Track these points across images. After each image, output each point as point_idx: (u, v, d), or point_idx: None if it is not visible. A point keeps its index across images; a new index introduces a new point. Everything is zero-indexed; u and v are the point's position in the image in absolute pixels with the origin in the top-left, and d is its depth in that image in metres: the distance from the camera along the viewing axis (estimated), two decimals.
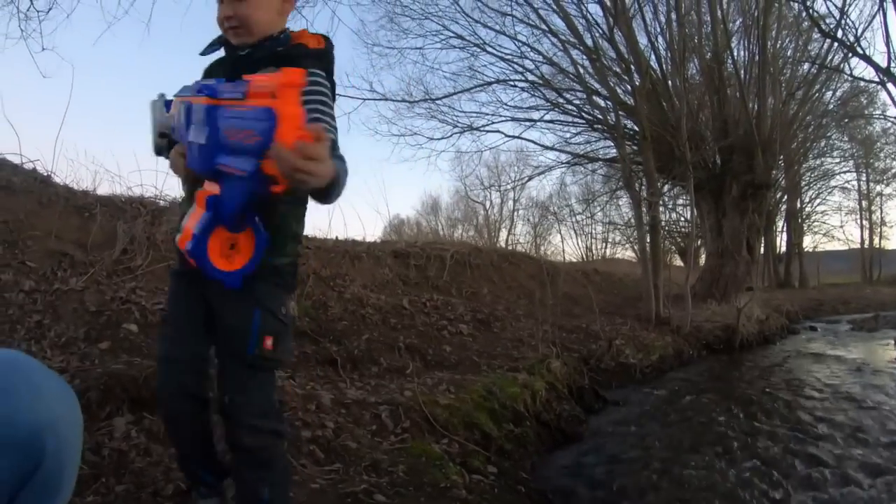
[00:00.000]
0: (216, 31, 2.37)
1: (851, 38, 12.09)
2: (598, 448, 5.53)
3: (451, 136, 18.76)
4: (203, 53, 2.45)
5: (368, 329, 6.71)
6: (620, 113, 15.13)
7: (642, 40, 15.71)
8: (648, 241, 13.53)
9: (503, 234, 37.90)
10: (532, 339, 8.32)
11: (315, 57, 2.33)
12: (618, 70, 16.18)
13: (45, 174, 6.41)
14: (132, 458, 3.20)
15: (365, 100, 17.00)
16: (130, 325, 4.68)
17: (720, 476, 4.76)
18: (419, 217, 41.10)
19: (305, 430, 3.88)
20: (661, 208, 15.00)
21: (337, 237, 9.77)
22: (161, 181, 7.30)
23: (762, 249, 24.77)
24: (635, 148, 16.43)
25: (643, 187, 14.50)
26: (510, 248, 20.62)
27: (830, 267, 36.01)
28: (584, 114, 18.20)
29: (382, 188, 35.31)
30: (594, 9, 15.80)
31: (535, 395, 6.07)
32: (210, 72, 2.44)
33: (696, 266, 17.01)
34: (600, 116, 17.02)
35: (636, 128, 15.56)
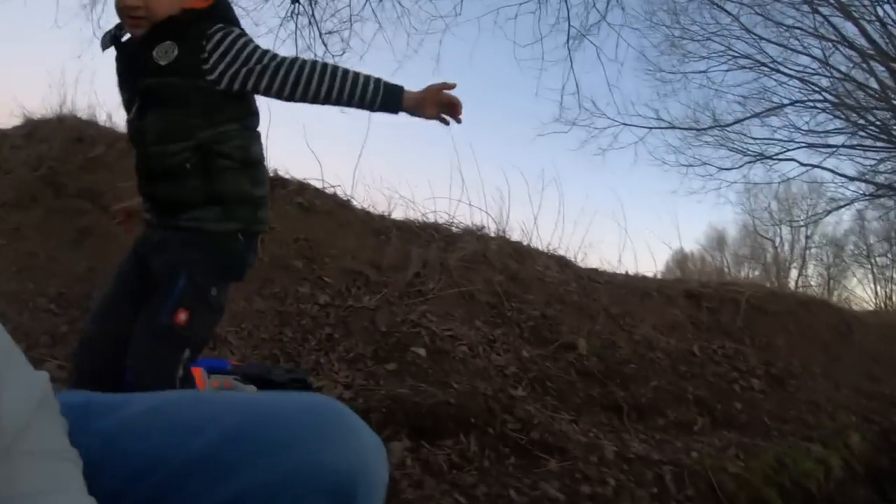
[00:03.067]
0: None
1: None
2: None
3: (741, 165, 17.73)
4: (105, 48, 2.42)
5: (656, 375, 6.32)
6: None
7: None
8: None
9: (793, 273, 35.02)
10: (829, 405, 7.59)
11: (207, 17, 2.28)
12: None
13: (345, 198, 6.75)
14: (402, 489, 3.13)
15: (651, 128, 16.51)
16: (419, 349, 4.67)
17: None
18: (703, 252, 38.79)
19: (585, 485, 3.64)
20: None
21: (627, 272, 9.44)
22: (454, 208, 7.45)
23: None
24: None
25: None
26: (801, 289, 19.11)
27: None
28: (892, 136, 16.41)
29: (675, 222, 34.11)
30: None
31: (828, 473, 5.47)
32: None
33: None
34: None
35: None
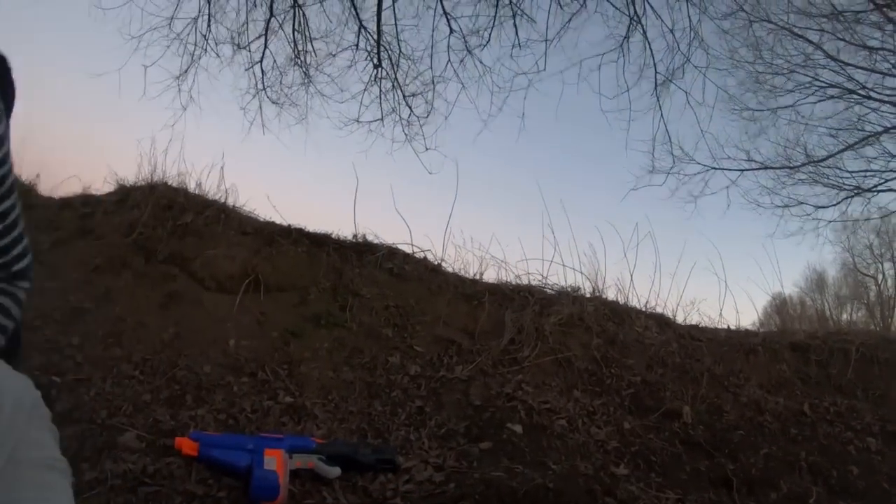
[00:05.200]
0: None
1: None
2: None
3: (838, 202, 17.05)
4: None
5: (766, 441, 5.91)
6: None
7: None
8: None
9: None
10: None
11: None
12: None
13: (436, 263, 6.64)
14: None
15: (743, 171, 16.04)
16: (515, 426, 4.41)
17: None
18: (803, 295, 36.91)
19: None
20: None
21: (729, 326, 9.00)
22: (547, 269, 7.19)
23: None
24: None
25: None
26: None
27: None
28: None
29: (774, 267, 32.80)
30: None
31: None
32: None
33: None
34: None
35: None
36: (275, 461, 3.45)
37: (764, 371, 7.84)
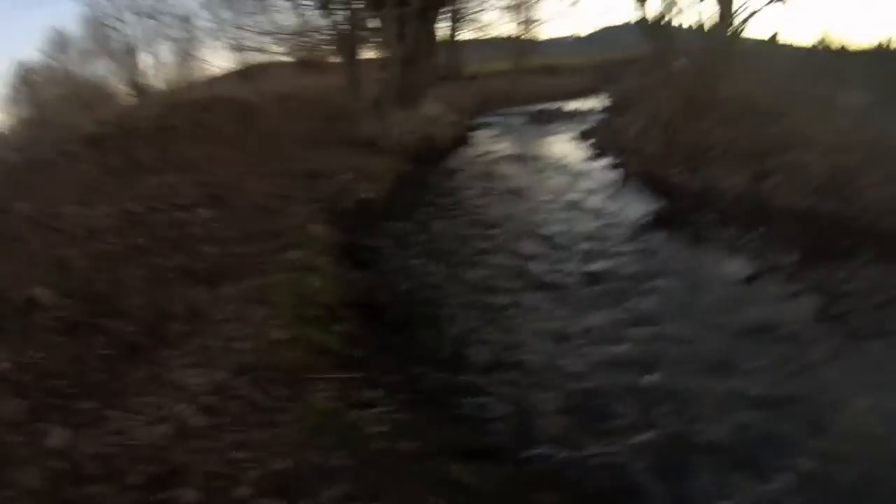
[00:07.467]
0: None
1: None
2: (417, 317, 5.52)
3: None
4: None
5: (127, 271, 5.20)
6: None
7: None
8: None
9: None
10: (275, 204, 7.72)
11: None
12: None
13: None
14: None
15: None
16: None
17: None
18: (50, 60, 35.12)
19: None
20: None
21: None
22: None
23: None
24: None
25: None
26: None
27: (487, 55, 38.74)
28: None
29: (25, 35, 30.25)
30: None
31: (326, 277, 5.55)
32: None
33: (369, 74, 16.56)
34: None
35: None
36: None
37: (61, 182, 7.04)
